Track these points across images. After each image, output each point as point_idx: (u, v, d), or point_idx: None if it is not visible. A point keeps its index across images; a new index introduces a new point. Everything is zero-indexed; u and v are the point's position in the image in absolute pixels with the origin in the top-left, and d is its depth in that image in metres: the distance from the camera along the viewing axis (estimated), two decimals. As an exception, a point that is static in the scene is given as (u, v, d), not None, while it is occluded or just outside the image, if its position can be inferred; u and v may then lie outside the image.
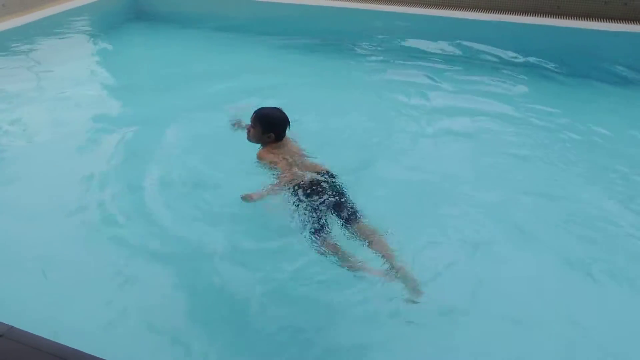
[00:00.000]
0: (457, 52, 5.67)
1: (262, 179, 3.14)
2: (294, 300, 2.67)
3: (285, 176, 3.07)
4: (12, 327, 1.71)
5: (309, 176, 3.04)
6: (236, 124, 3.76)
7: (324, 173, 3.10)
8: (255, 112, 3.35)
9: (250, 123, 3.36)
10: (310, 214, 2.86)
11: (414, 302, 2.50)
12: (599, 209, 3.29)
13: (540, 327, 2.54)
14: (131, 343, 2.40)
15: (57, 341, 1.71)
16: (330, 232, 2.80)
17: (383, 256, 2.69)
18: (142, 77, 5.46)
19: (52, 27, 6.28)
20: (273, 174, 3.15)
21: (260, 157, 3.27)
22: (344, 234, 2.83)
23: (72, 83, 5.18)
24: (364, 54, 5.87)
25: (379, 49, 5.95)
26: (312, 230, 2.79)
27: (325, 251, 2.71)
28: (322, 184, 3.00)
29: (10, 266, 2.83)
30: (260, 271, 2.79)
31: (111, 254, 2.91)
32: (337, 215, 2.89)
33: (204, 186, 3.44)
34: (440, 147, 3.99)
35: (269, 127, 3.29)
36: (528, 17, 5.83)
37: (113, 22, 7.02)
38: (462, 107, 4.55)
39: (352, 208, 2.91)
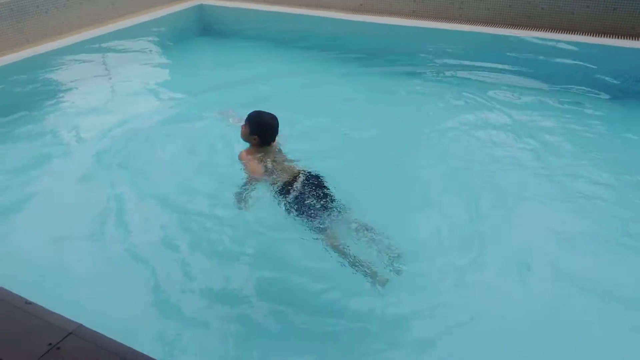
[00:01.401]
0: (519, 70, 5.51)
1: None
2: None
3: (252, 178, 3.32)
4: (81, 325, 1.73)
5: (285, 179, 3.23)
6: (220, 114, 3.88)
7: (301, 174, 3.26)
8: (250, 112, 3.49)
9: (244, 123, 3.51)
10: (302, 212, 3.04)
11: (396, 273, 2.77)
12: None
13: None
14: (194, 351, 2.41)
15: (122, 342, 1.71)
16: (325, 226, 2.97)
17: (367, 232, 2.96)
18: (203, 86, 5.60)
19: (126, 39, 6.60)
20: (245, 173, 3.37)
21: (240, 157, 3.44)
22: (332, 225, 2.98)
23: (139, 89, 5.49)
24: (425, 71, 5.79)
25: (440, 65, 5.86)
26: (313, 227, 2.98)
27: (327, 245, 2.90)
28: (296, 184, 3.17)
29: (83, 266, 2.95)
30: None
31: (181, 263, 2.98)
32: (322, 210, 3.05)
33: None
34: (497, 163, 3.92)
35: (256, 129, 3.42)
36: (601, 38, 5.58)
37: (181, 35, 7.30)
38: (520, 125, 4.44)
39: (332, 202, 3.10)
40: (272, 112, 3.46)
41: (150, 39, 6.87)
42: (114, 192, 3.59)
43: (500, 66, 5.61)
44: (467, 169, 3.85)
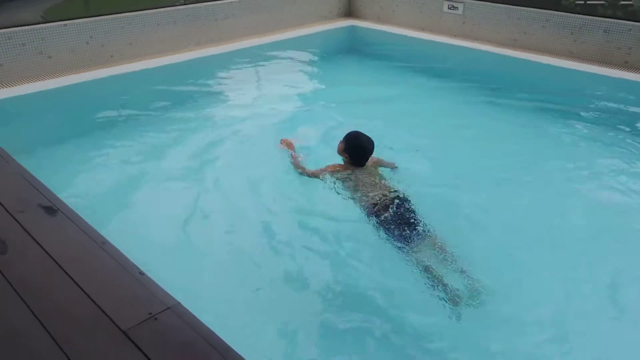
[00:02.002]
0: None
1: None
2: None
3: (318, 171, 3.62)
4: (179, 302, 1.91)
5: (375, 198, 3.35)
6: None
7: (390, 194, 3.36)
8: (351, 131, 3.72)
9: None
10: (389, 228, 3.15)
11: (474, 305, 2.73)
12: None
13: None
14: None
15: (211, 328, 1.85)
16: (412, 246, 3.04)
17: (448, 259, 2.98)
18: (342, 100, 5.82)
19: (282, 49, 7.13)
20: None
21: (327, 167, 3.70)
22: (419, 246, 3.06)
23: (284, 94, 5.89)
24: (582, 119, 5.32)
25: (602, 116, 5.39)
26: (396, 241, 3.09)
27: (411, 261, 2.96)
28: (387, 202, 3.28)
29: (195, 248, 3.25)
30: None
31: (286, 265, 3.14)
32: (409, 230, 3.13)
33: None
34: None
35: (348, 147, 3.64)
36: None
37: (332, 51, 7.64)
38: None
39: (419, 224, 3.17)
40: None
41: (304, 51, 7.32)
42: (238, 187, 3.89)
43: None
44: (603, 227, 3.50)
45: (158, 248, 3.16)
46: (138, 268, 2.07)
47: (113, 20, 5.83)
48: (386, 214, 3.21)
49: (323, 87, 6.37)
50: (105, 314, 1.86)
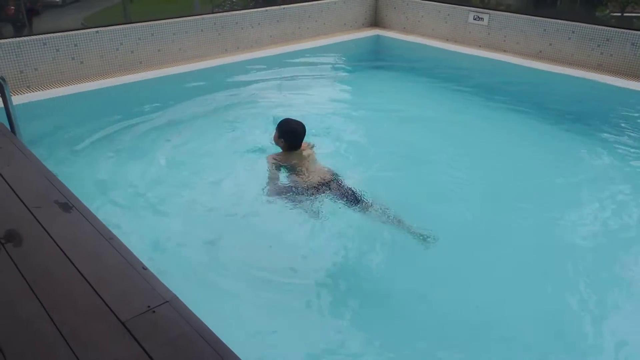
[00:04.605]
0: None
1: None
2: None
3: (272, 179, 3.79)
4: (176, 296, 1.99)
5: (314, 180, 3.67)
6: None
7: (328, 181, 3.66)
8: (281, 120, 4.01)
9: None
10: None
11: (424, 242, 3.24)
12: None
13: None
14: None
15: (205, 323, 1.92)
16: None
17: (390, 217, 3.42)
18: (362, 109, 5.92)
19: (306, 57, 7.20)
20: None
21: (267, 159, 3.94)
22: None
23: (304, 100, 6.02)
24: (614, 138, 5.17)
25: (622, 128, 5.28)
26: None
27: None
28: (324, 185, 3.61)
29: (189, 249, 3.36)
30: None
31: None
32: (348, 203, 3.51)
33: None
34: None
35: (282, 133, 3.92)
36: None
37: (355, 60, 7.68)
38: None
39: (358, 196, 3.54)
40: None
41: (327, 60, 7.38)
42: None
43: None
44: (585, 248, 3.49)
45: (165, 244, 3.28)
46: (141, 263, 2.16)
47: (143, 27, 6.03)
48: (326, 192, 3.54)
49: (345, 97, 6.42)
50: (108, 306, 1.96)
